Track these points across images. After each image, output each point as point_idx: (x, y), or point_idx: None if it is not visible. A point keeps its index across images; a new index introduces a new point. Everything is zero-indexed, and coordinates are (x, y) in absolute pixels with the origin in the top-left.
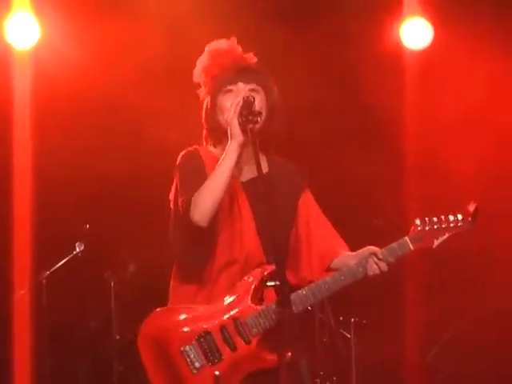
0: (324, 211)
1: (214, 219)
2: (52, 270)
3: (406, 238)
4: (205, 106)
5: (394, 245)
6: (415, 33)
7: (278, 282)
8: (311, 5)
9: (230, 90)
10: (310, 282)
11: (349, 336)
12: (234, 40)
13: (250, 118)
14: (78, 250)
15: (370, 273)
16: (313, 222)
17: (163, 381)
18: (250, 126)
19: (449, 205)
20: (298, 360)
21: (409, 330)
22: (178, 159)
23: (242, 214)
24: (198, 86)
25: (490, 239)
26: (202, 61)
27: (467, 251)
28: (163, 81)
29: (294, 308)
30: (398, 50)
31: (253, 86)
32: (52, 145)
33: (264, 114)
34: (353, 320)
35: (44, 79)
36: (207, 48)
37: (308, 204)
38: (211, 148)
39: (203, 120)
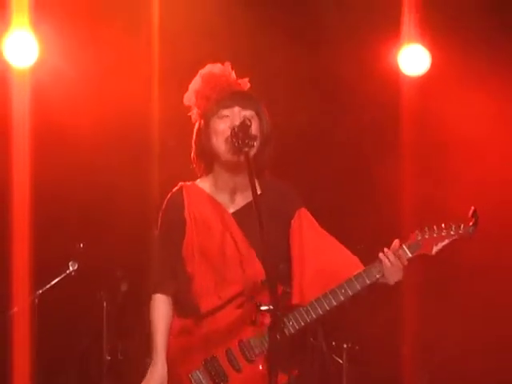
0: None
1: (207, 260)
2: (45, 288)
3: (404, 245)
4: (196, 128)
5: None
6: (413, 59)
7: (271, 307)
8: (308, 30)
9: (226, 115)
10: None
11: (341, 362)
12: (228, 65)
13: (246, 141)
14: (71, 269)
15: (386, 273)
16: (307, 242)
17: None
18: (246, 149)
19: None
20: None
21: (402, 356)
22: (164, 204)
23: (237, 244)
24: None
25: (492, 257)
26: (194, 84)
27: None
28: (162, 95)
29: (294, 325)
30: (396, 76)
31: (248, 111)
32: (49, 162)
33: (258, 140)
34: (345, 346)
35: (42, 97)
36: (201, 72)
37: (302, 223)
38: (200, 182)
39: (193, 142)
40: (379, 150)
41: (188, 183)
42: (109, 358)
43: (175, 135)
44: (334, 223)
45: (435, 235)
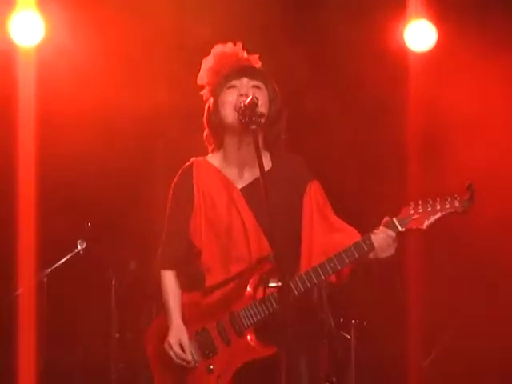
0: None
1: (214, 235)
2: (53, 267)
3: (394, 219)
4: (207, 105)
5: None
6: (419, 35)
7: (279, 283)
8: (314, 8)
9: (234, 86)
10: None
11: (349, 338)
12: (239, 45)
13: (254, 119)
14: (79, 247)
15: (376, 245)
16: (316, 215)
17: (163, 376)
18: (253, 126)
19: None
20: (298, 358)
21: (409, 332)
22: (175, 178)
23: (244, 220)
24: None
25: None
26: (207, 62)
27: (475, 249)
28: (168, 77)
29: (297, 288)
30: (402, 52)
31: (256, 82)
32: (56, 142)
33: (266, 111)
34: (353, 321)
35: (48, 76)
36: (213, 50)
37: (313, 196)
38: (210, 157)
39: (205, 119)
40: (386, 128)
41: (199, 158)
42: (118, 335)
43: (183, 115)
44: (341, 205)
45: (429, 209)
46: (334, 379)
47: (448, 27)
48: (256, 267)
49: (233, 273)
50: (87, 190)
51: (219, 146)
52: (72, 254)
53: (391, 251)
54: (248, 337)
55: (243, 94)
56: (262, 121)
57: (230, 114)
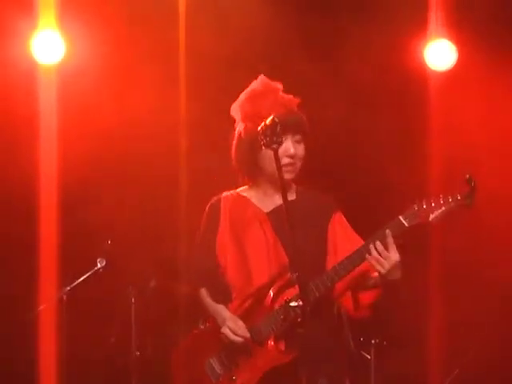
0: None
1: (245, 251)
2: (73, 285)
3: (400, 216)
4: (237, 139)
5: (387, 225)
6: (440, 54)
7: (300, 303)
8: (336, 28)
9: (280, 142)
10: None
11: (369, 357)
12: (279, 85)
13: (274, 139)
14: (99, 265)
15: (372, 261)
16: (341, 245)
17: None
18: (275, 146)
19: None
20: (317, 379)
21: (431, 352)
22: (206, 208)
23: (268, 240)
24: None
25: None
26: (240, 100)
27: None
28: (188, 93)
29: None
30: (423, 72)
31: (297, 137)
32: (77, 159)
33: (300, 162)
34: (373, 341)
35: (69, 94)
36: (252, 85)
37: (337, 226)
38: (242, 191)
39: (235, 153)
40: (406, 146)
41: (229, 192)
42: (138, 353)
43: (203, 132)
44: (360, 214)
45: (433, 204)
46: None
47: (468, 47)
48: (275, 281)
49: (254, 288)
50: (108, 208)
51: (252, 183)
52: (92, 271)
53: (395, 271)
54: (269, 345)
55: (289, 155)
56: (284, 140)
57: (269, 166)
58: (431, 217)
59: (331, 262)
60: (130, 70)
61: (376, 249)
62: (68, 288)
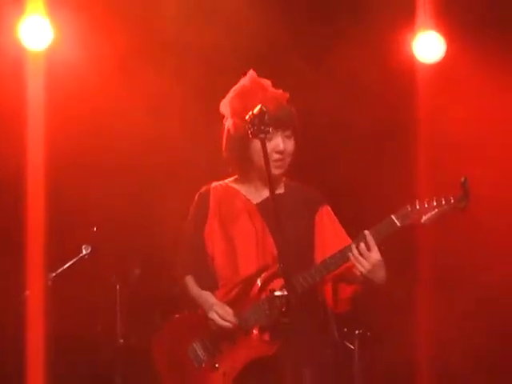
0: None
1: (233, 240)
2: (58, 272)
3: (392, 215)
4: (227, 133)
5: (380, 223)
6: (428, 46)
7: (285, 292)
8: (323, 19)
9: (269, 138)
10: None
11: (352, 348)
12: (266, 80)
13: (262, 128)
14: (84, 252)
15: (353, 260)
16: (329, 238)
17: (170, 377)
18: (262, 135)
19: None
20: (301, 369)
21: (416, 343)
22: (195, 197)
23: (257, 230)
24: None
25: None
26: (229, 97)
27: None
28: (177, 81)
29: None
30: (411, 64)
31: (287, 132)
32: (64, 146)
33: (290, 158)
34: (357, 332)
35: (57, 80)
36: (241, 82)
37: (325, 220)
38: (231, 182)
39: (226, 147)
40: (395, 138)
41: (218, 183)
42: (122, 341)
43: (191, 121)
44: (347, 208)
45: (426, 206)
46: None
47: (457, 39)
48: (262, 271)
49: (242, 277)
50: (94, 195)
51: (242, 174)
52: (77, 258)
53: (383, 274)
54: (254, 335)
55: (278, 151)
56: (270, 130)
57: (259, 160)
58: (424, 218)
59: (319, 254)
60: (119, 57)
61: (358, 248)
62: (53, 274)
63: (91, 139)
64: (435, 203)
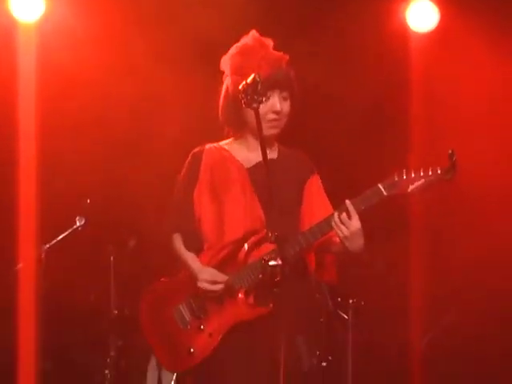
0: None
1: (222, 204)
2: (51, 243)
3: (379, 184)
4: (225, 92)
5: (367, 192)
6: (421, 15)
7: (279, 262)
8: None
9: (267, 97)
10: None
11: (346, 317)
12: (268, 40)
13: (255, 97)
14: (78, 224)
15: (334, 227)
16: (316, 207)
17: (157, 339)
18: (255, 105)
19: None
20: (295, 336)
21: (408, 312)
22: (188, 157)
23: (246, 195)
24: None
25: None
26: (232, 57)
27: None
28: (171, 51)
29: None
30: (404, 33)
31: (285, 93)
32: (56, 118)
33: (286, 119)
34: (351, 301)
35: (48, 52)
36: (239, 44)
37: (314, 188)
38: (226, 144)
39: (222, 107)
40: (389, 107)
41: (211, 145)
42: (116, 312)
43: (183, 90)
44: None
45: (413, 175)
46: (329, 358)
47: (450, 8)
48: (247, 237)
49: (228, 241)
50: (87, 166)
51: (237, 136)
52: (70, 230)
53: (358, 242)
54: (239, 298)
55: (275, 111)
56: (264, 99)
57: (262, 124)
58: (410, 188)
59: (305, 222)
60: (111, 28)
61: (339, 217)
62: (47, 246)
63: (84, 111)
64: (422, 173)
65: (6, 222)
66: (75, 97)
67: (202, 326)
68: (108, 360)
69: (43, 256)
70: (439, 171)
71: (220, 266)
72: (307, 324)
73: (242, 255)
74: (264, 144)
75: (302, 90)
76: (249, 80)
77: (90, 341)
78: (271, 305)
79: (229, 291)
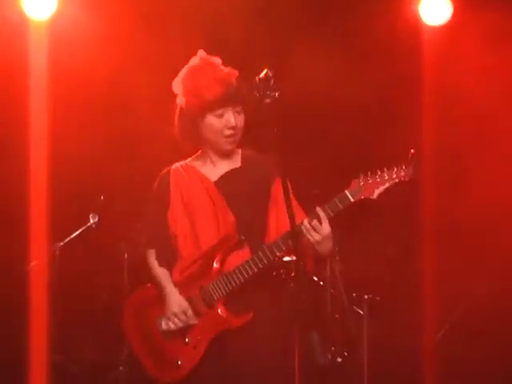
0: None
1: (194, 220)
2: (65, 241)
3: (346, 191)
4: (179, 112)
5: (334, 199)
6: (434, 8)
7: (293, 257)
8: None
9: (219, 114)
10: None
11: (361, 313)
12: (216, 58)
13: (268, 92)
14: (91, 221)
15: (305, 233)
16: (279, 208)
17: (145, 351)
18: (267, 100)
19: None
20: (309, 332)
21: (423, 307)
22: (156, 181)
23: (215, 205)
24: None
25: None
26: (183, 80)
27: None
28: (183, 49)
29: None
30: (417, 26)
31: (238, 108)
32: (68, 115)
33: (241, 132)
34: (366, 297)
35: (60, 49)
36: (191, 62)
37: (278, 192)
38: (190, 161)
39: (178, 125)
40: (400, 101)
41: (178, 164)
42: None
43: None
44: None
45: (378, 179)
46: (345, 353)
47: (463, 1)
48: (221, 244)
49: (202, 251)
50: (101, 163)
51: (196, 151)
52: (84, 227)
53: (330, 245)
54: (219, 309)
55: (230, 127)
56: (277, 95)
57: (220, 139)
58: (376, 193)
59: (272, 221)
60: (122, 27)
61: (310, 223)
62: (61, 244)
63: (95, 106)
64: (386, 176)
65: (18, 220)
66: (86, 94)
67: (186, 340)
68: (122, 357)
69: (57, 253)
70: (402, 172)
71: (193, 279)
72: (321, 319)
73: (217, 265)
74: (278, 147)
75: (310, 81)
76: (261, 75)
77: (104, 339)
78: (251, 313)
79: (208, 302)
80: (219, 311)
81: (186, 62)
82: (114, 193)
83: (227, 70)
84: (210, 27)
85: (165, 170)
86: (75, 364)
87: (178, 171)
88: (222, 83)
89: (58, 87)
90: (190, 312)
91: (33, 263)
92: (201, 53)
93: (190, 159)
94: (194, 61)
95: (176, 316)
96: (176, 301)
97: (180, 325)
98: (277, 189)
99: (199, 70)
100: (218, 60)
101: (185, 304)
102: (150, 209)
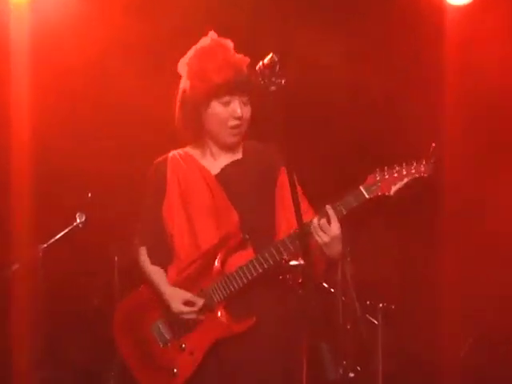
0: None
1: (193, 217)
2: (50, 242)
3: (361, 187)
4: (181, 96)
5: (348, 195)
6: None
7: (301, 261)
8: None
9: (225, 102)
10: None
11: (376, 322)
12: (228, 41)
13: (273, 79)
14: (78, 220)
15: (314, 233)
16: (287, 202)
17: (137, 359)
18: (273, 88)
19: None
20: (318, 343)
21: (441, 317)
22: (151, 169)
23: (216, 200)
24: None
25: None
26: (190, 61)
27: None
28: (169, 29)
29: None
30: (440, 6)
31: (245, 98)
32: (53, 106)
33: (247, 124)
34: (381, 305)
35: (44, 33)
36: (197, 46)
37: (284, 183)
38: (189, 149)
39: (179, 111)
40: (420, 83)
41: (176, 152)
42: None
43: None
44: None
45: (395, 175)
46: (358, 368)
47: None
48: (223, 243)
49: (202, 252)
50: (88, 158)
51: (196, 140)
52: (70, 227)
53: (339, 248)
54: (219, 313)
55: (236, 117)
56: (283, 82)
57: (223, 130)
58: (393, 189)
59: (280, 218)
60: (104, 7)
61: (319, 223)
62: (44, 245)
63: (81, 97)
64: (405, 171)
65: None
66: (71, 82)
67: (183, 345)
68: (115, 361)
69: (40, 255)
70: (423, 167)
71: (192, 280)
72: (332, 330)
73: (217, 265)
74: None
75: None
76: (266, 61)
77: (93, 347)
78: (254, 318)
79: (208, 305)
80: (219, 315)
81: (180, 47)
82: (102, 190)
83: (239, 55)
84: (207, 11)
85: (161, 158)
86: (64, 370)
87: (176, 160)
88: (232, 68)
89: (40, 70)
90: (194, 301)
91: (15, 267)
92: (212, 34)
93: (188, 147)
94: (204, 42)
95: (180, 311)
96: (176, 294)
97: (192, 315)
98: (283, 182)
99: (209, 52)
100: (230, 43)
101: (187, 294)
102: (143, 205)
